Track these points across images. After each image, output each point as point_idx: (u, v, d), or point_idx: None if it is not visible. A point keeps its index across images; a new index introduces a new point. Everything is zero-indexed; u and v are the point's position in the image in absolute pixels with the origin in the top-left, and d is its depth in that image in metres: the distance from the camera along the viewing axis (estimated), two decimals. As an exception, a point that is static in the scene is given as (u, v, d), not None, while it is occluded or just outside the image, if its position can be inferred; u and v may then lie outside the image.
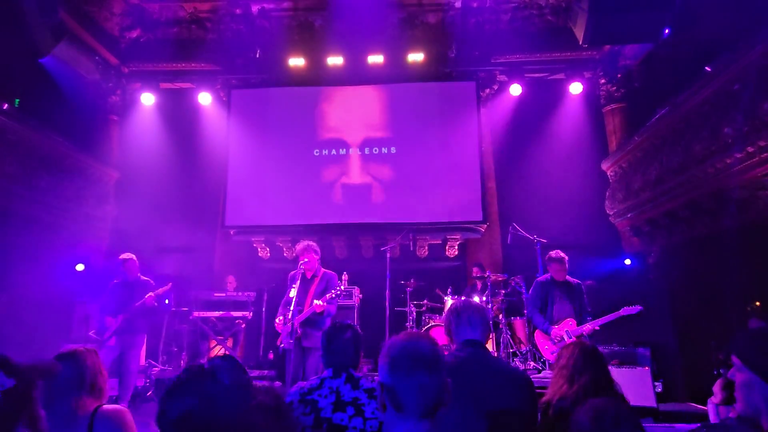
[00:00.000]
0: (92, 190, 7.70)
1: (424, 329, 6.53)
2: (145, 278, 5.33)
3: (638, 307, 4.62)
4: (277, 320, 4.42)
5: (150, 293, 5.06)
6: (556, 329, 4.83)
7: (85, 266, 7.13)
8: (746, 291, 5.57)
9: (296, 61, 8.15)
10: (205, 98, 8.26)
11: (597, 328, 4.72)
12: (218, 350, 7.09)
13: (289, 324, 4.21)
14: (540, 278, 5.14)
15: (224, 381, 1.25)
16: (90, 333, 5.27)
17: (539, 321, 4.99)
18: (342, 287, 4.42)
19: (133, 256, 5.29)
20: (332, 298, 4.26)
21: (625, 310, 4.65)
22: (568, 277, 4.98)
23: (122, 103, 8.52)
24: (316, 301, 4.26)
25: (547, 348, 4.99)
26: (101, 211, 7.90)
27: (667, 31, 3.97)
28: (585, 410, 1.54)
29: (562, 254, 4.93)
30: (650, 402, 4.82)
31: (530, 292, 5.21)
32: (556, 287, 4.99)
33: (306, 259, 4.46)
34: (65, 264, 6.95)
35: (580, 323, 4.82)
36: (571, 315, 4.89)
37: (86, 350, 2.00)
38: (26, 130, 6.30)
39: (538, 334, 5.11)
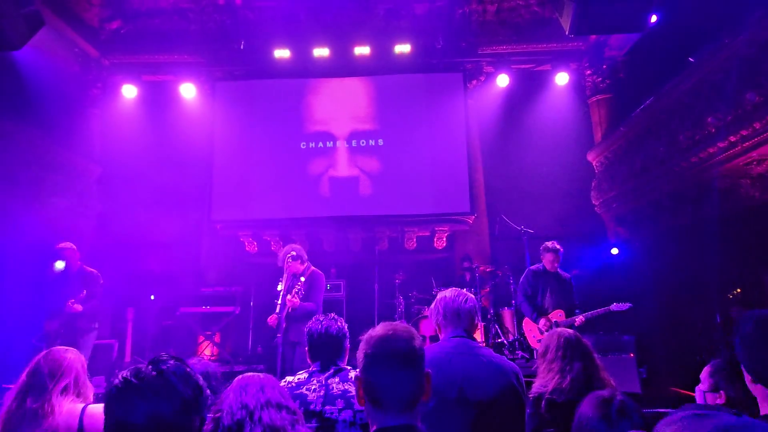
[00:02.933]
0: (74, 185, 7.53)
1: (413, 321, 6.55)
2: (90, 269, 4.93)
3: (628, 304, 4.65)
4: (270, 319, 4.41)
5: (71, 300, 4.59)
6: (544, 319, 4.86)
7: (66, 264, 6.97)
8: (728, 279, 5.68)
9: (281, 53, 8.03)
10: (188, 91, 8.10)
11: (582, 322, 4.75)
12: (206, 346, 7.04)
13: (276, 318, 4.22)
14: (532, 267, 5.17)
15: (196, 380, 1.22)
16: (33, 340, 4.75)
17: (527, 310, 5.03)
18: (302, 281, 4.21)
19: (72, 246, 4.87)
20: (296, 292, 4.12)
21: (614, 306, 4.69)
22: (559, 270, 5.02)
23: (103, 96, 8.31)
24: (288, 297, 4.16)
25: (534, 337, 5.03)
26: (84, 207, 7.74)
27: (654, 18, 3.97)
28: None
29: (558, 245, 4.96)
30: (635, 388, 4.91)
31: (521, 279, 5.22)
32: (547, 278, 5.02)
33: (289, 260, 4.37)
34: (47, 261, 6.80)
35: (569, 316, 4.86)
36: (561, 306, 4.93)
37: (66, 350, 1.97)
38: (3, 124, 6.13)
39: (526, 322, 5.15)
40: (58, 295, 4.70)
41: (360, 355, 1.32)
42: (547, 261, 4.97)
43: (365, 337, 1.35)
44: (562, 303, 4.94)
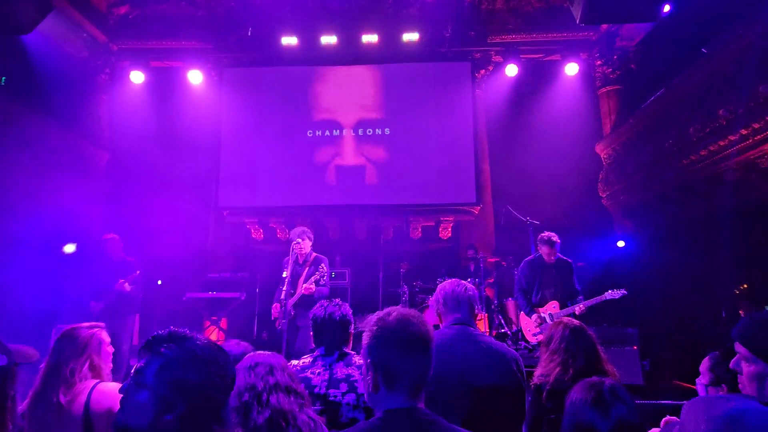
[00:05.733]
0: (83, 171, 7.59)
1: (417, 309, 6.58)
2: (130, 259, 5.27)
3: (622, 292, 4.49)
4: (273, 306, 4.50)
5: (121, 280, 4.99)
6: (536, 315, 4.82)
7: (77, 248, 7.04)
8: (735, 273, 5.64)
9: (289, 40, 7.98)
10: (196, 77, 8.10)
11: (582, 311, 4.64)
12: (212, 331, 7.12)
13: (282, 305, 4.27)
14: (528, 258, 5.10)
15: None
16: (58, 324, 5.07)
17: (522, 303, 4.99)
18: (324, 268, 4.41)
19: (116, 236, 5.22)
20: (318, 279, 4.31)
21: (609, 294, 4.52)
22: (559, 256, 4.91)
23: (111, 82, 8.33)
24: (304, 285, 4.32)
25: (529, 330, 4.98)
26: (92, 192, 7.80)
27: (667, 8, 3.92)
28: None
29: (555, 238, 4.82)
30: (637, 380, 4.93)
31: (517, 272, 5.17)
32: (543, 268, 4.93)
33: (299, 242, 4.47)
34: (55, 246, 6.88)
35: (564, 305, 4.79)
36: (555, 298, 4.86)
37: (88, 328, 2.02)
38: (13, 109, 6.17)
39: (522, 316, 5.12)
40: (104, 280, 5.01)
41: (373, 337, 1.31)
42: (544, 253, 4.86)
43: (375, 320, 1.34)
44: (558, 294, 4.86)
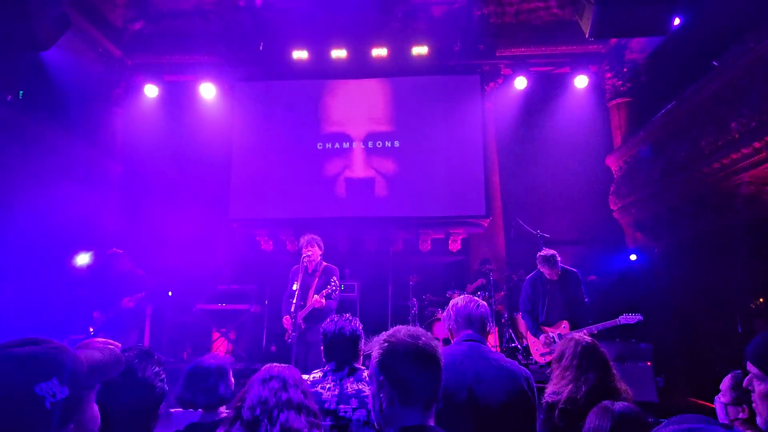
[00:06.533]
0: (97, 182, 7.70)
1: (427, 323, 6.55)
2: (140, 272, 5.37)
3: (638, 317, 4.31)
4: (284, 318, 4.46)
5: (126, 298, 5.11)
6: (545, 333, 4.66)
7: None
8: (750, 288, 5.54)
9: (300, 54, 8.10)
10: (208, 91, 8.23)
11: (594, 332, 4.43)
12: (221, 343, 7.13)
13: (293, 317, 4.25)
14: (530, 276, 4.91)
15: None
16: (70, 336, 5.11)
17: (529, 323, 4.83)
18: (336, 281, 4.38)
19: (119, 251, 5.37)
20: (330, 293, 4.26)
21: (623, 319, 4.33)
22: (563, 267, 4.74)
23: (126, 96, 8.49)
24: (315, 297, 4.28)
25: (537, 350, 4.82)
26: (106, 204, 7.91)
27: (677, 21, 3.91)
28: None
29: (556, 257, 4.63)
30: (651, 397, 4.83)
31: (521, 291, 4.99)
32: (547, 285, 4.74)
33: (309, 252, 4.47)
34: (68, 256, 6.95)
35: (574, 324, 4.60)
36: (564, 316, 4.67)
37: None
38: (30, 122, 6.31)
39: (530, 335, 4.97)
40: (110, 293, 5.15)
41: (386, 354, 1.32)
42: (545, 272, 4.69)
43: (386, 337, 1.35)
44: (565, 312, 4.66)
